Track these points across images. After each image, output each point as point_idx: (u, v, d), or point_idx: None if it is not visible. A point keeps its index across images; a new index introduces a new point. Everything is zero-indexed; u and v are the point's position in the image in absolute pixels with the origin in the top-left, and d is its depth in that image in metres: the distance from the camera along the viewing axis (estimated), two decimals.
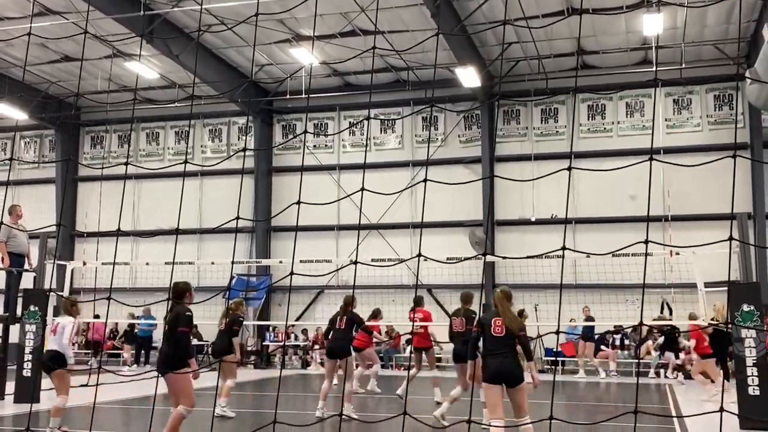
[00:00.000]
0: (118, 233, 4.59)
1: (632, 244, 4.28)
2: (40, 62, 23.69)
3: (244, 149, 6.26)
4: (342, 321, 11.49)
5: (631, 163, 4.99)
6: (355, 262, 4.58)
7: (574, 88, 23.34)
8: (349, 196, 9.58)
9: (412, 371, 14.13)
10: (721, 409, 3.44)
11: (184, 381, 7.65)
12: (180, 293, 8.02)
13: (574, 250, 13.47)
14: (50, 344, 9.59)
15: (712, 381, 14.54)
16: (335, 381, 12.14)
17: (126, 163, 4.58)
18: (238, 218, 4.77)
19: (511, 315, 7.42)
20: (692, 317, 15.77)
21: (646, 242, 3.78)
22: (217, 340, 12.46)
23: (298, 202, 4.45)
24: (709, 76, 22.08)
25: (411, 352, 14.83)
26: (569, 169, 4.13)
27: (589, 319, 20.56)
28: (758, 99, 18.66)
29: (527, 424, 7.08)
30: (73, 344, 10.17)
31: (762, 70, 16.40)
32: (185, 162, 4.89)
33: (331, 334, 11.65)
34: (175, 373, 7.57)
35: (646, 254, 4.24)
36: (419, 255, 4.45)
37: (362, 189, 4.27)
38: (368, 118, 25.41)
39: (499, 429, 7.09)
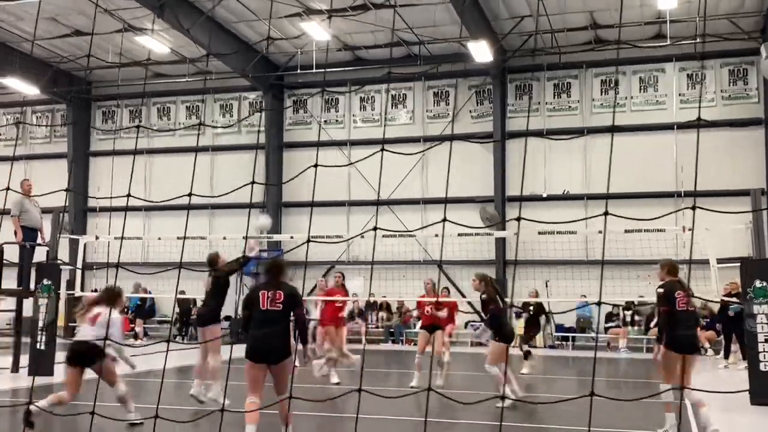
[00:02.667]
0: (127, 202, 4.59)
1: (669, 214, 4.24)
2: (51, 36, 23.64)
3: (261, 110, 6.22)
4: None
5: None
6: (375, 228, 4.55)
7: (586, 62, 23.15)
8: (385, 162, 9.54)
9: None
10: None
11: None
12: (280, 271, 7.38)
13: (617, 216, 13.41)
14: (85, 334, 8.32)
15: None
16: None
17: (137, 126, 4.57)
18: (253, 182, 4.74)
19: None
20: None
21: (693, 208, 3.74)
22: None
23: (315, 165, 4.41)
24: (724, 50, 21.83)
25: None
26: (612, 131, 4.09)
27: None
28: None
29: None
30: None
31: None
32: (200, 124, 4.88)
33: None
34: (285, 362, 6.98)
35: (693, 228, 4.20)
36: (444, 220, 4.43)
37: (382, 148, 4.24)
38: (388, 87, 25.27)
39: None
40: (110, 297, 8.42)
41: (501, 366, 9.72)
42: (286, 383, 6.84)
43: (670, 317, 7.83)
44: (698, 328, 8.27)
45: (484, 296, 10.57)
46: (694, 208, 3.50)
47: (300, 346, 8.60)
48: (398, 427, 9.10)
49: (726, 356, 16.51)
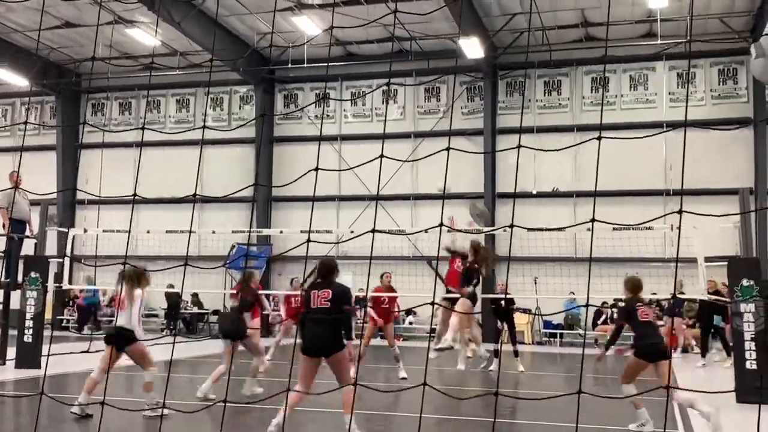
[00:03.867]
0: (134, 199, 4.58)
1: (662, 216, 4.26)
2: (41, 28, 23.50)
3: (262, 116, 6.22)
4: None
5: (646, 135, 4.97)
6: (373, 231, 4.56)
7: (577, 60, 23.20)
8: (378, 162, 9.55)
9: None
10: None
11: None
12: (331, 271, 7.66)
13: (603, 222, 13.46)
14: (120, 319, 8.67)
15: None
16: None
17: (142, 128, 4.56)
18: (256, 183, 4.74)
19: None
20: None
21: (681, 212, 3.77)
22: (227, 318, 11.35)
23: (316, 169, 4.42)
24: (714, 50, 21.92)
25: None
26: (599, 138, 4.10)
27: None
28: (763, 74, 18.55)
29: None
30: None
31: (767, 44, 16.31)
32: (204, 126, 4.87)
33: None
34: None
35: (680, 227, 4.22)
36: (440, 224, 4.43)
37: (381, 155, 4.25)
38: (388, 84, 25.25)
39: None
40: (130, 276, 8.78)
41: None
42: (343, 374, 7.32)
43: (625, 328, 8.95)
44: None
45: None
46: (680, 212, 3.52)
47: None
48: (388, 421, 9.13)
49: (703, 355, 16.58)
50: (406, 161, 20.77)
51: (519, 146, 3.73)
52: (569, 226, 19.23)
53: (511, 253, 21.98)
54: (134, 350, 8.62)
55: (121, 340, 8.55)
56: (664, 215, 4.06)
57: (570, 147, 21.87)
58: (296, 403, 7.30)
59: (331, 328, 7.35)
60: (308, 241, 4.10)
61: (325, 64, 24.83)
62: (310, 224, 5.02)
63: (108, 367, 8.44)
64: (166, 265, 21.18)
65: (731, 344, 12.96)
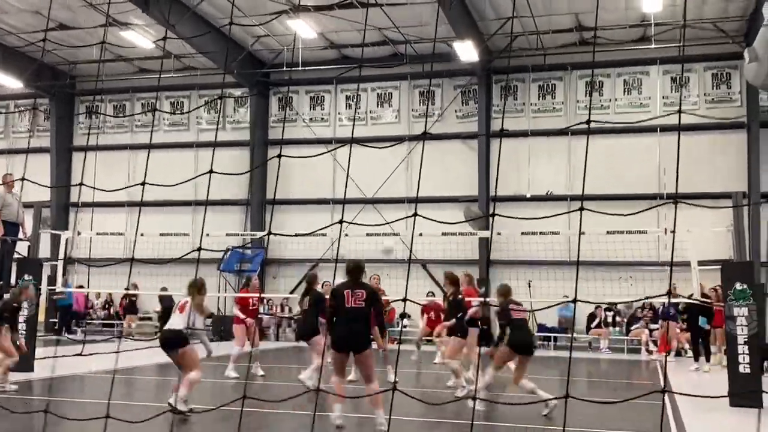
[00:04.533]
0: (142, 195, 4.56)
1: (644, 209, 4.26)
2: (35, 30, 23.46)
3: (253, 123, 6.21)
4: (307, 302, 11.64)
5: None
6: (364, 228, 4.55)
7: (571, 64, 23.24)
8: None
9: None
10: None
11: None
12: (362, 272, 8.40)
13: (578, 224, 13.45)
14: (174, 322, 9.07)
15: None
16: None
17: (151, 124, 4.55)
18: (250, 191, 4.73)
19: None
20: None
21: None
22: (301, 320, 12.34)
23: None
24: (708, 54, 21.98)
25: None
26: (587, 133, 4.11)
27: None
28: (756, 78, 18.62)
29: None
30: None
31: (761, 49, 16.36)
32: (217, 126, 4.87)
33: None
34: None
35: (674, 231, 4.23)
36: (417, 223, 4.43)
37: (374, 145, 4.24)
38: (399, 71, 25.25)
39: None
40: (194, 286, 9.31)
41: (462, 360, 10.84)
42: (369, 370, 8.01)
43: (508, 325, 9.96)
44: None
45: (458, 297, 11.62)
46: (675, 202, 3.53)
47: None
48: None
49: (696, 359, 16.61)
50: (393, 167, 20.79)
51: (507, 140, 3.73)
52: (560, 214, 19.25)
53: (505, 257, 22.04)
54: (182, 354, 8.93)
55: (174, 341, 8.94)
56: (641, 211, 4.07)
57: (565, 128, 21.80)
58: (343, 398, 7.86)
59: (363, 326, 8.10)
60: (299, 235, 4.08)
61: (320, 67, 24.82)
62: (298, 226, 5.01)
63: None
64: (160, 269, 21.14)
65: (723, 348, 13.02)
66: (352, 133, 25.36)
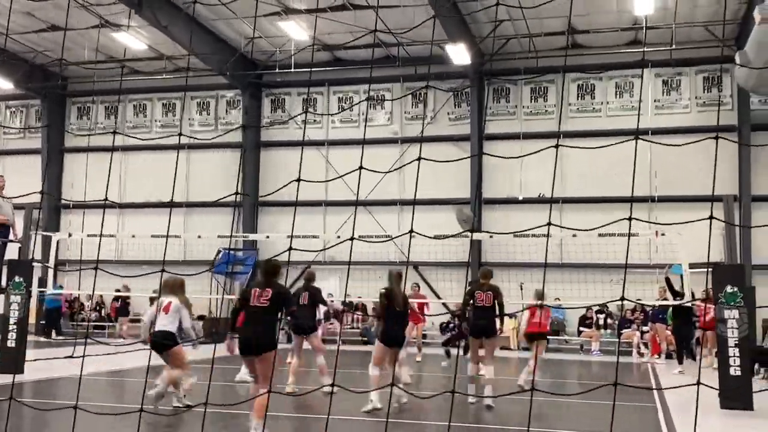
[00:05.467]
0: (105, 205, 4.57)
1: (617, 221, 4.27)
2: (26, 31, 23.39)
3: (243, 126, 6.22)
4: (304, 297, 11.66)
5: (616, 142, 4.98)
6: (352, 238, 4.55)
7: (563, 67, 23.29)
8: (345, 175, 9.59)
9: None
10: (698, 383, 3.48)
11: (275, 359, 7.21)
12: (275, 272, 7.75)
13: (560, 226, 13.51)
14: (161, 324, 9.14)
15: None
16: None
17: (114, 132, 4.54)
18: (237, 193, 4.73)
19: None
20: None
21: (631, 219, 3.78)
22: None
23: (298, 180, 4.41)
24: (699, 57, 22.07)
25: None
26: (557, 146, 4.12)
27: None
28: (747, 81, 18.71)
29: None
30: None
31: (752, 52, 16.44)
32: (228, 131, 4.87)
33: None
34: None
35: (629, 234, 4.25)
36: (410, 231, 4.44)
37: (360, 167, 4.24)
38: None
39: None
40: (173, 286, 9.35)
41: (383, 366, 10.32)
42: (267, 375, 7.12)
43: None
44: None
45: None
46: (662, 195, 3.54)
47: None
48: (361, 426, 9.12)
49: (680, 361, 16.62)
50: (384, 172, 20.83)
51: (481, 152, 3.74)
52: (546, 200, 19.26)
53: (497, 259, 22.06)
54: (172, 353, 9.06)
55: (165, 342, 9.02)
56: (619, 220, 4.12)
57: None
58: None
59: (266, 327, 7.42)
60: (290, 249, 4.08)
61: (313, 69, 24.82)
62: (293, 229, 5.02)
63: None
64: (151, 270, 21.02)
65: (714, 350, 13.06)
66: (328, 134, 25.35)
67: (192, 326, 9.50)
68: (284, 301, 7.58)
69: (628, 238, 4.60)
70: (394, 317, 9.50)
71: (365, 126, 25.32)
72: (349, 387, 5.79)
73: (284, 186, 5.04)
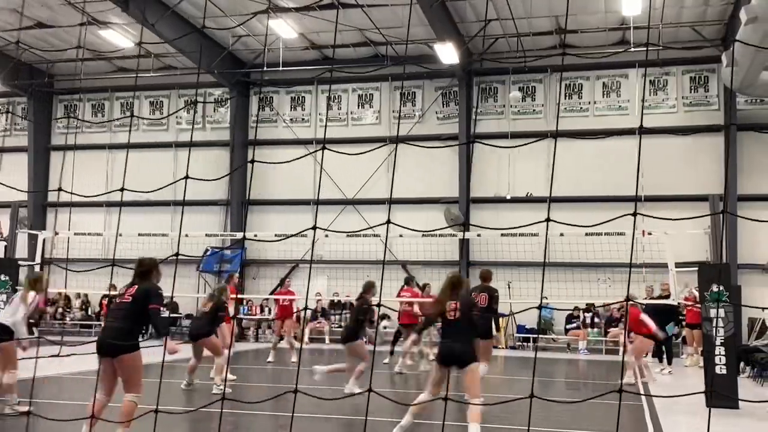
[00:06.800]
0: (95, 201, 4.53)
1: (605, 222, 4.29)
2: (13, 28, 23.23)
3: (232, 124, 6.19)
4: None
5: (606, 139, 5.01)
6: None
7: (551, 67, 23.35)
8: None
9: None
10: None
11: (139, 362, 6.65)
12: (147, 270, 7.08)
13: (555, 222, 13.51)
14: (1, 317, 9.04)
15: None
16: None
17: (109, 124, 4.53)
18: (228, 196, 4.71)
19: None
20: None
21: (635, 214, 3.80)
22: (196, 322, 12.39)
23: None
24: (686, 57, 22.16)
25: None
26: (554, 136, 4.13)
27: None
28: (733, 81, 18.80)
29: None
30: (33, 321, 9.29)
31: (738, 53, 16.54)
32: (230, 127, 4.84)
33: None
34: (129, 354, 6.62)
35: (634, 232, 4.26)
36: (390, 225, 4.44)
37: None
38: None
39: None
40: (28, 281, 9.48)
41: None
42: (126, 377, 6.65)
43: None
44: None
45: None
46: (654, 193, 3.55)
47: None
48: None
49: (660, 360, 16.68)
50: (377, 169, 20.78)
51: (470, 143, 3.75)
52: (534, 200, 19.32)
53: (485, 258, 22.10)
54: (2, 348, 8.80)
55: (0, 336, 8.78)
56: (609, 220, 4.14)
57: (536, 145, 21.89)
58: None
59: (123, 324, 6.74)
60: (279, 238, 4.07)
61: (301, 68, 24.76)
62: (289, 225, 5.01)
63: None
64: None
65: (700, 348, 13.14)
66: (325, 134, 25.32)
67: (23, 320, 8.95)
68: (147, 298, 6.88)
69: (633, 237, 4.61)
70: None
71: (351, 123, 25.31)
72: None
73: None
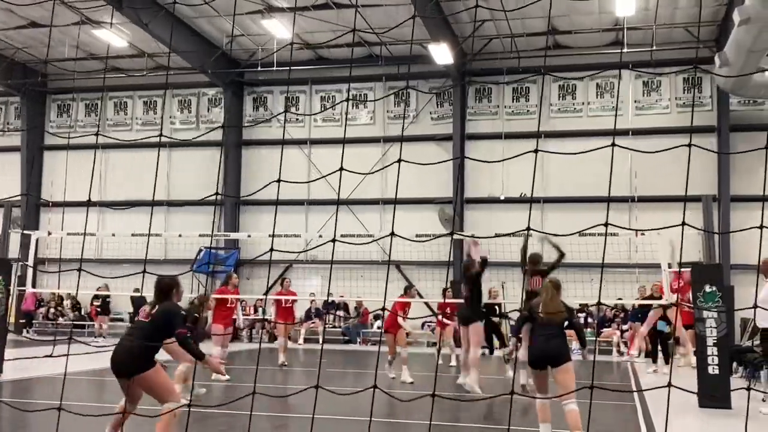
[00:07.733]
0: (88, 204, 4.54)
1: (594, 226, 4.30)
2: (6, 28, 23.18)
3: (224, 125, 6.20)
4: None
5: (595, 147, 5.02)
6: (333, 240, 4.55)
7: (544, 67, 23.37)
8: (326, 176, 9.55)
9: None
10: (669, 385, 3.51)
11: (158, 376, 6.49)
12: (167, 290, 6.83)
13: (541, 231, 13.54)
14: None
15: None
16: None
17: (96, 134, 4.52)
18: (217, 194, 4.71)
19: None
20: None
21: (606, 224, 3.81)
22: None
23: (278, 181, 4.40)
24: (679, 58, 22.21)
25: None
26: (536, 151, 4.15)
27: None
28: (726, 82, 18.87)
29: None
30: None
31: (731, 54, 16.58)
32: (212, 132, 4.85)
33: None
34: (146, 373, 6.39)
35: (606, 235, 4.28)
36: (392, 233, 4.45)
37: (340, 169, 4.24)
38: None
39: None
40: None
41: None
42: (152, 392, 6.53)
43: None
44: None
45: None
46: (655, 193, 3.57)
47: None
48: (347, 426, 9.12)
49: (654, 360, 16.72)
50: (369, 173, 20.81)
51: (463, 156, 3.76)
52: (528, 200, 19.31)
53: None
54: None
55: None
56: (595, 226, 4.18)
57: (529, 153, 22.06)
58: None
59: (139, 346, 6.50)
60: (272, 249, 4.08)
61: (295, 68, 24.77)
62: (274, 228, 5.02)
63: None
64: (131, 269, 20.90)
65: (693, 349, 13.16)
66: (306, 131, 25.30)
67: None
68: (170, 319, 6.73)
69: (605, 243, 4.62)
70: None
71: (345, 125, 25.32)
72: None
73: (265, 186, 5.03)
